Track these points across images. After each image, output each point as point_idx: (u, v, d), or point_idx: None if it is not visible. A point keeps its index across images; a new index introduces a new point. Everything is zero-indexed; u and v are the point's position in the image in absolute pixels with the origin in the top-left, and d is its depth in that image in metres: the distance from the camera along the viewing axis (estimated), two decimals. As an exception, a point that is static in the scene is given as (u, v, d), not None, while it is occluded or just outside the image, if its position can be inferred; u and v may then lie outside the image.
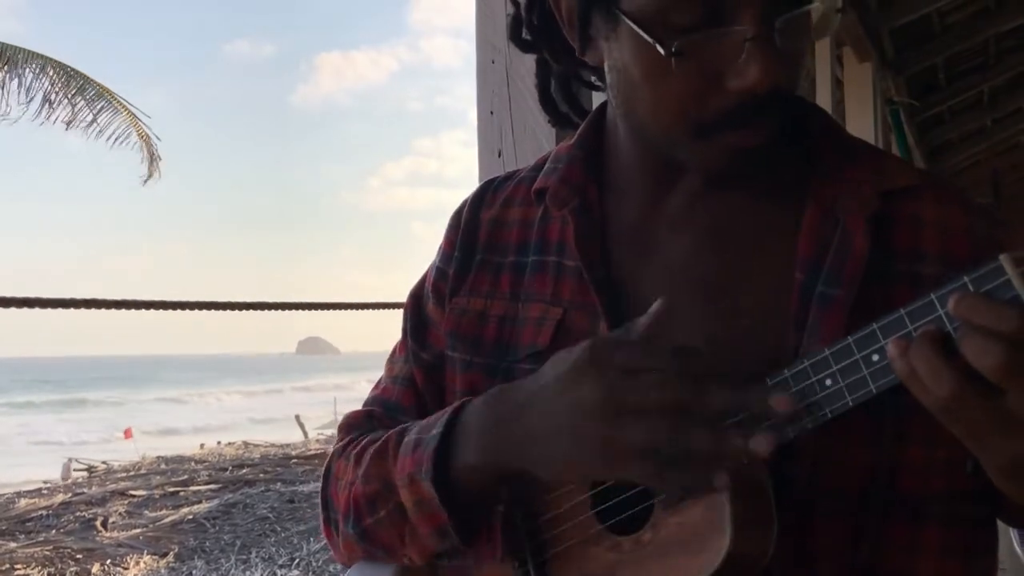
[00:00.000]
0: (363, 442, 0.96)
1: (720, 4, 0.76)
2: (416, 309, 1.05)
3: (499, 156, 1.57)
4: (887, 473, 0.81)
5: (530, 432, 0.78)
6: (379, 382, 1.08)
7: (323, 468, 1.00)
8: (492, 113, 1.59)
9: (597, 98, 1.05)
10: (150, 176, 11.79)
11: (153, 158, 11.71)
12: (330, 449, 1.03)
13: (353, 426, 1.04)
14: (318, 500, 1.00)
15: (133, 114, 11.51)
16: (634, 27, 0.78)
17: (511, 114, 1.55)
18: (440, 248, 1.04)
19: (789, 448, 0.75)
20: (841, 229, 0.84)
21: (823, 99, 5.01)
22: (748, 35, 0.75)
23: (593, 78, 0.97)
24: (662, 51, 0.77)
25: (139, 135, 11.49)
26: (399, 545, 0.89)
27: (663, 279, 0.89)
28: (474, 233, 1.01)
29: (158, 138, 11.72)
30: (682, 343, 0.75)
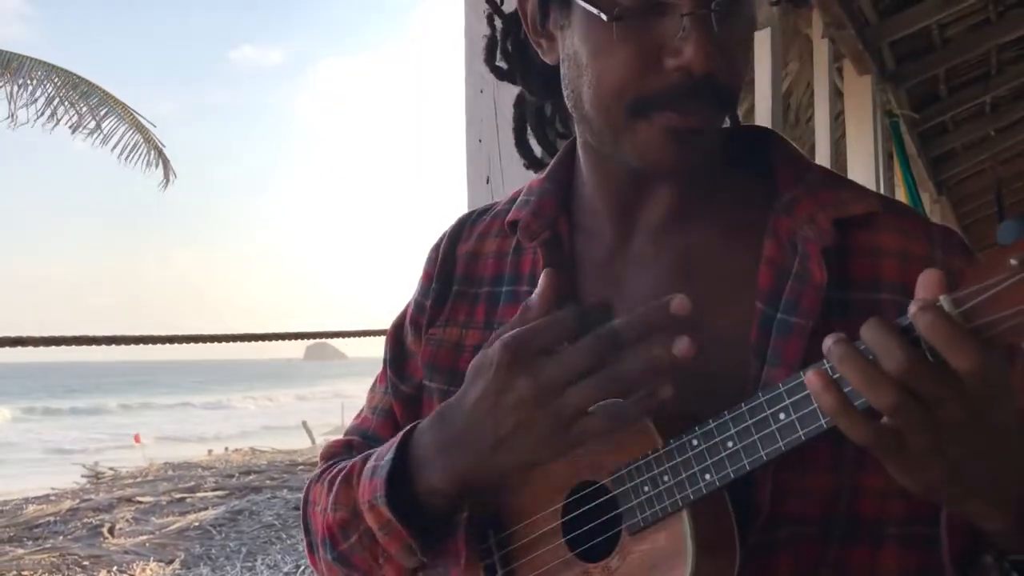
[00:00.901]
0: (335, 469, 0.99)
1: None
2: (396, 341, 1.08)
3: (487, 183, 1.61)
4: (848, 498, 0.83)
5: (485, 442, 0.81)
6: (360, 411, 1.12)
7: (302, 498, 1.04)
8: (480, 141, 1.63)
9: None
10: (167, 182, 11.83)
11: (167, 164, 11.76)
12: None
13: (333, 455, 1.08)
14: None
15: (141, 123, 11.55)
16: (583, 5, 0.84)
17: (499, 143, 1.59)
18: (419, 281, 1.08)
19: (750, 476, 0.77)
20: (800, 260, 0.86)
21: (822, 111, 5.04)
22: (684, 11, 0.80)
23: (560, 128, 1.02)
24: (604, 17, 0.82)
25: (146, 141, 11.53)
26: (375, 566, 0.93)
27: (629, 312, 0.92)
28: (451, 266, 1.04)
29: (163, 144, 11.77)
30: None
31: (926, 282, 0.68)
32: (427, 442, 0.87)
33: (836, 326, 0.80)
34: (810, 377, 0.70)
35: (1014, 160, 9.52)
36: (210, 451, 20.85)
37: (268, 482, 11.79)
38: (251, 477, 12.24)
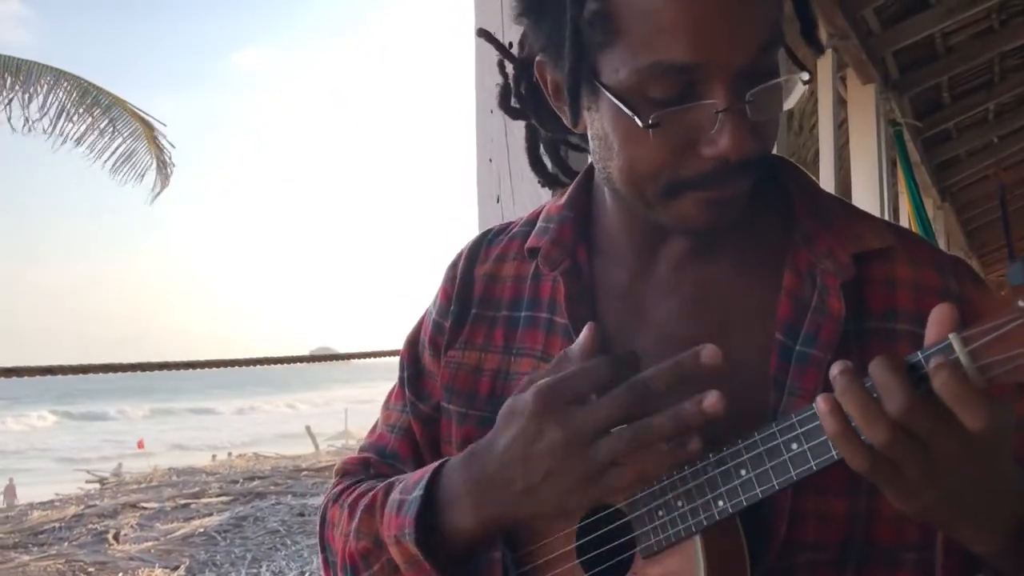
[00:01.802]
0: (355, 492, 1.00)
1: (694, 79, 0.80)
2: (413, 358, 1.09)
3: (497, 202, 1.63)
4: (864, 523, 0.84)
5: (515, 487, 0.82)
6: (375, 427, 1.12)
7: (319, 514, 1.05)
8: (491, 160, 1.65)
9: (584, 158, 1.10)
10: (162, 188, 11.84)
11: (167, 166, 11.76)
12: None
13: (349, 472, 1.08)
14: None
15: (149, 124, 11.57)
16: (614, 100, 0.83)
17: (509, 162, 1.61)
18: (436, 300, 1.08)
19: (767, 501, 0.79)
20: (818, 292, 0.88)
21: (826, 120, 5.07)
22: (720, 108, 0.80)
23: (574, 140, 1.02)
24: (640, 123, 0.81)
25: (149, 142, 11.54)
26: None
27: (649, 341, 0.92)
28: (469, 288, 1.05)
29: (172, 145, 11.78)
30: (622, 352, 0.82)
31: (939, 318, 0.71)
32: (456, 482, 0.88)
33: (853, 355, 0.83)
34: (819, 402, 0.73)
35: (1017, 166, 9.55)
36: (214, 456, 20.90)
37: (272, 488, 11.80)
38: (255, 483, 12.26)
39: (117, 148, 11.29)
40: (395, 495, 0.92)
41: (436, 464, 0.91)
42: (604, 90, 0.84)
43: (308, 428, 23.75)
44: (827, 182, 5.10)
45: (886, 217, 5.85)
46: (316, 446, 22.01)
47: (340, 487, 1.05)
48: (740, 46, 0.79)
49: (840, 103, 5.67)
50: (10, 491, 19.73)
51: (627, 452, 0.78)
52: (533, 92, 0.97)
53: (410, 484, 0.92)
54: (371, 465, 1.08)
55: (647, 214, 0.90)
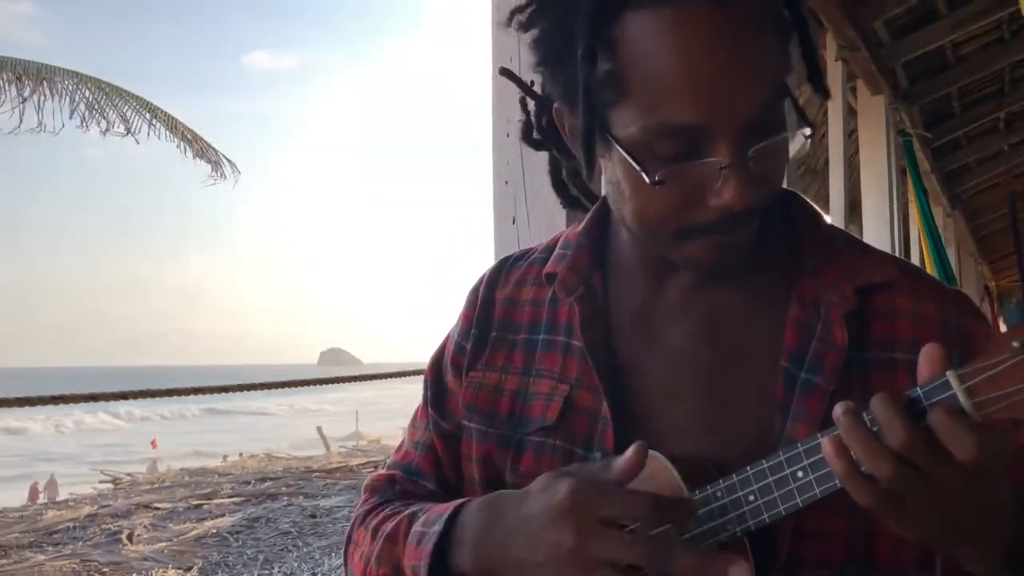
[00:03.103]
0: (380, 516, 1.04)
1: (698, 136, 0.83)
2: (436, 378, 1.12)
3: (513, 223, 1.68)
4: (863, 543, 0.88)
5: (512, 557, 0.85)
6: (401, 445, 1.16)
7: (346, 533, 1.10)
8: (507, 183, 1.71)
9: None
10: (221, 177, 11.83)
11: (219, 162, 11.81)
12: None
13: (376, 489, 1.12)
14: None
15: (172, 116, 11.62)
16: (624, 154, 0.87)
17: (525, 184, 1.66)
18: (458, 322, 1.12)
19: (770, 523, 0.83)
20: (823, 322, 0.92)
21: (836, 130, 5.11)
22: (723, 164, 0.83)
23: None
24: (647, 179, 0.85)
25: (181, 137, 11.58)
26: None
27: (661, 364, 0.97)
28: (489, 311, 1.09)
29: (213, 146, 11.84)
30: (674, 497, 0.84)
31: (930, 357, 0.76)
32: (471, 526, 0.91)
33: (856, 383, 0.89)
34: (824, 444, 0.77)
35: (1028, 174, 9.54)
36: (225, 457, 20.97)
37: (284, 489, 11.84)
38: (267, 484, 12.29)
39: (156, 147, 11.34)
40: (417, 527, 0.96)
41: (458, 502, 0.95)
42: (615, 143, 0.88)
43: (319, 429, 23.78)
44: (836, 191, 5.15)
45: (895, 225, 5.90)
46: (327, 447, 22.05)
47: (367, 507, 1.09)
48: (742, 106, 0.83)
49: (850, 113, 5.71)
50: (51, 486, 19.87)
51: None
52: (554, 126, 1.00)
53: (431, 518, 0.95)
54: (397, 482, 1.11)
55: (659, 254, 0.95)
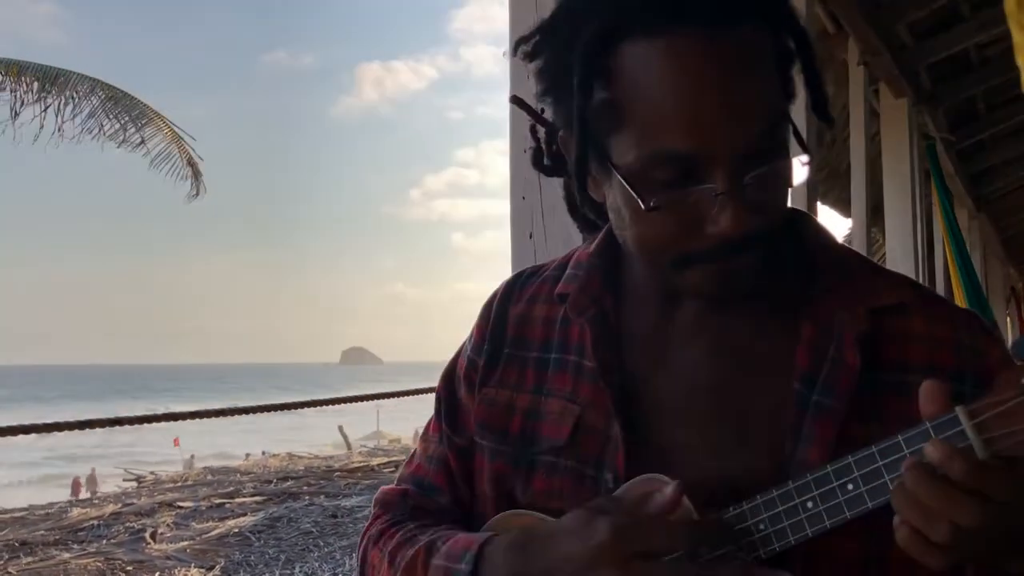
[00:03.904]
0: (396, 539, 1.04)
1: (694, 164, 0.84)
2: (449, 392, 1.12)
3: (530, 238, 1.69)
4: (876, 568, 0.88)
5: None
6: (413, 457, 1.16)
7: (359, 553, 1.09)
8: (524, 198, 1.72)
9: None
10: (196, 194, 12.06)
11: (197, 176, 11.98)
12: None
13: (389, 504, 1.12)
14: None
15: (177, 134, 11.79)
16: (621, 180, 0.88)
17: (541, 200, 1.68)
18: (471, 336, 1.12)
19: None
20: (835, 344, 0.92)
21: (857, 134, 5.08)
22: (718, 191, 0.84)
23: None
24: (642, 205, 0.86)
25: (181, 154, 11.76)
26: None
27: (672, 386, 0.97)
28: (502, 327, 1.09)
29: (200, 158, 12.00)
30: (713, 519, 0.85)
31: (931, 394, 0.77)
32: (502, 565, 0.90)
33: (867, 406, 0.89)
34: (898, 530, 0.78)
35: (1055, 176, 9.43)
36: (247, 455, 21.11)
37: (305, 488, 11.91)
38: (289, 483, 12.37)
39: (153, 152, 11.54)
40: (439, 560, 0.96)
41: (483, 538, 0.95)
42: (615, 170, 0.88)
43: (341, 428, 23.89)
44: (858, 194, 5.12)
45: (919, 228, 5.85)
46: (349, 446, 22.14)
47: (379, 527, 1.09)
48: (737, 134, 0.83)
49: (872, 116, 5.67)
50: (92, 481, 20.11)
51: None
52: (561, 156, 1.02)
53: (455, 552, 0.95)
54: (409, 496, 1.11)
55: (662, 281, 0.95)
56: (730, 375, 0.96)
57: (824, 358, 0.92)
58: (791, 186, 0.91)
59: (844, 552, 0.87)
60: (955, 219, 5.76)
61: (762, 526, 0.83)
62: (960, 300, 5.40)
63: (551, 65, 0.93)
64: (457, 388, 1.12)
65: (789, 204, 0.95)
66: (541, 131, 1.10)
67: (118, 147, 11.29)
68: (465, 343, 1.14)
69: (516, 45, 0.98)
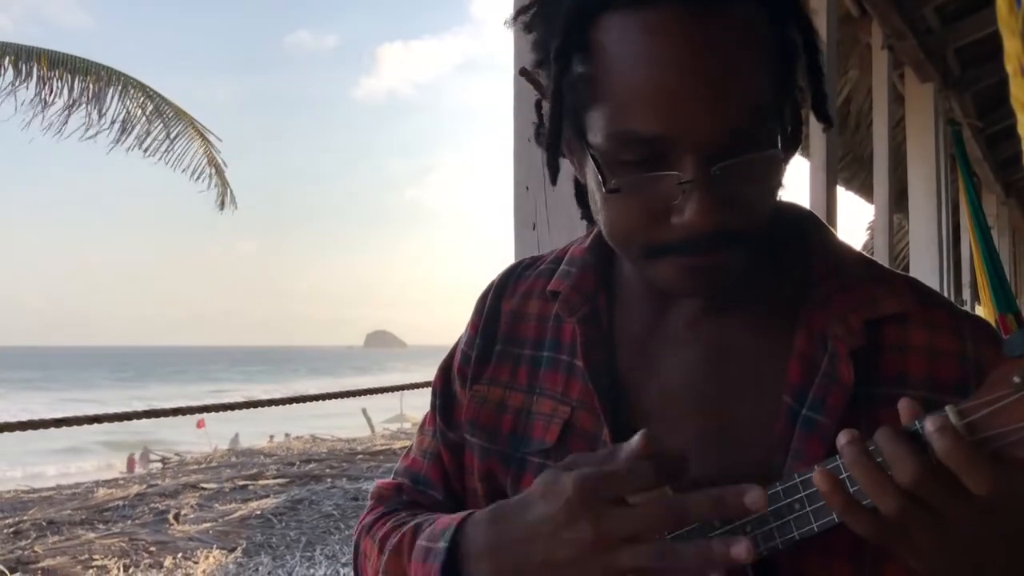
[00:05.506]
0: (386, 527, 1.02)
1: (663, 149, 0.79)
2: (445, 386, 1.11)
3: (533, 229, 1.67)
4: None
5: (534, 559, 0.82)
6: (409, 451, 1.15)
7: (353, 543, 1.09)
8: (528, 189, 1.69)
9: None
10: (223, 205, 12.21)
11: (225, 184, 12.11)
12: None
13: (384, 497, 1.11)
14: None
15: (207, 139, 11.89)
16: (590, 159, 0.84)
17: (545, 190, 1.65)
18: (466, 329, 1.11)
19: (772, 564, 0.81)
20: (829, 357, 0.88)
21: (881, 120, 5.01)
22: (683, 179, 0.79)
23: None
24: (604, 187, 0.82)
25: (209, 160, 11.88)
26: None
27: (662, 391, 0.94)
28: (495, 322, 1.07)
29: (225, 164, 12.13)
30: (667, 450, 0.81)
31: (905, 414, 0.75)
32: (480, 540, 0.87)
33: (862, 421, 0.84)
34: (816, 478, 0.76)
35: (1086, 161, 9.28)
36: (271, 437, 21.29)
37: (328, 470, 12.01)
38: (311, 465, 12.49)
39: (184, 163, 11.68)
40: (422, 541, 0.94)
41: (462, 516, 0.92)
42: (587, 147, 0.84)
43: (364, 411, 24.01)
44: (881, 180, 5.05)
45: (943, 215, 5.77)
46: (372, 428, 22.27)
47: (373, 516, 1.08)
48: (710, 121, 0.78)
49: (897, 100, 5.59)
50: (143, 459, 20.41)
51: (647, 566, 0.78)
52: None
53: (436, 532, 0.93)
54: (403, 490, 1.11)
55: (637, 271, 0.92)
56: (722, 383, 0.93)
57: (816, 371, 0.88)
58: (779, 185, 0.86)
59: (836, 573, 0.85)
60: (980, 206, 5.65)
61: (748, 527, 0.81)
62: (984, 289, 5.31)
63: (543, 36, 0.89)
64: (452, 383, 1.11)
65: (807, 205, 0.91)
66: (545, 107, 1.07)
67: (146, 156, 11.44)
68: (460, 337, 1.13)
69: (516, 15, 0.93)
